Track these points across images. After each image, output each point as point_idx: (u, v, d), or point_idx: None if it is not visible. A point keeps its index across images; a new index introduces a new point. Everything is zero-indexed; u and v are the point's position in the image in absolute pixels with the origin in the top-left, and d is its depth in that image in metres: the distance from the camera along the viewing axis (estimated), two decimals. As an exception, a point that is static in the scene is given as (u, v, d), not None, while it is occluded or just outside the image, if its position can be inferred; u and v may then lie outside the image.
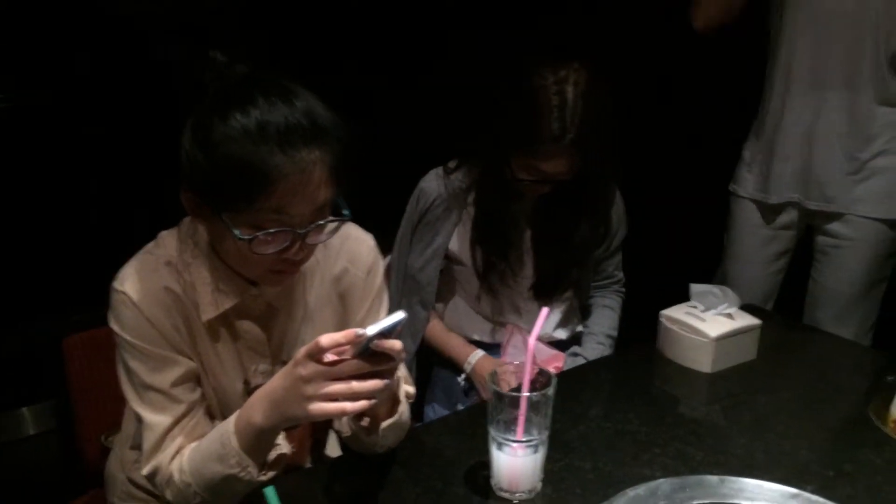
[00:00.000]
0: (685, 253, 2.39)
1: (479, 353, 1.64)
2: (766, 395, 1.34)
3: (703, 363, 1.41)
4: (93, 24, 2.40)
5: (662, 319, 1.48)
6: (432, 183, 1.60)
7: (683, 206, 2.60)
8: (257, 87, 0.93)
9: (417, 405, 1.69)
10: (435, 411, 1.69)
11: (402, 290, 1.66)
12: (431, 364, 1.74)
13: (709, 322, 1.42)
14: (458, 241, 1.61)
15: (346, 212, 1.00)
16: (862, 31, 1.72)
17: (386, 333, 0.89)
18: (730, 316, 1.44)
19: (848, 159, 1.82)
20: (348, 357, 0.89)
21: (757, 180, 1.95)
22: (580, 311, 1.76)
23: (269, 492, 0.82)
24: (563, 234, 1.58)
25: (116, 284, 1.03)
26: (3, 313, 2.36)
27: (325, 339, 0.87)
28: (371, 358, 0.90)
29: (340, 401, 0.89)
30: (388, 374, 0.92)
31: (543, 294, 1.64)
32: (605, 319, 1.73)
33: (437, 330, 1.69)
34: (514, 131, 1.43)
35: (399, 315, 0.89)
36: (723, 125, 2.24)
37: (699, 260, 2.11)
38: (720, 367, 1.42)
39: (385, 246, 1.41)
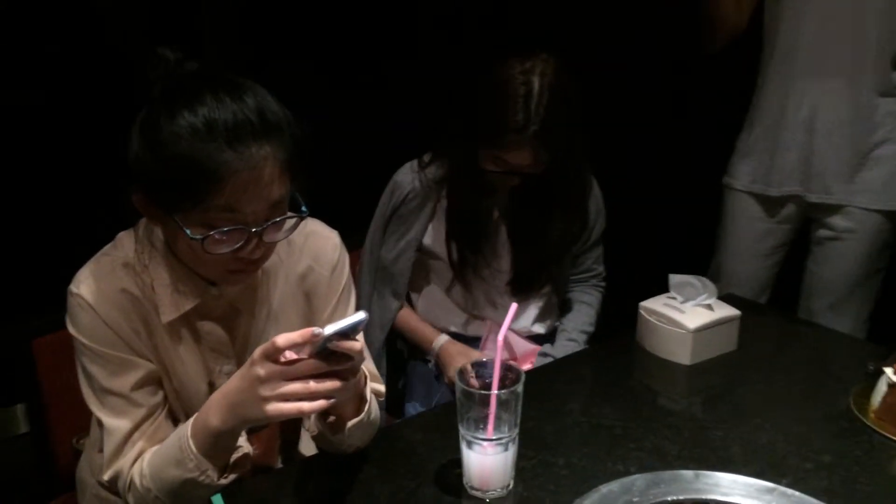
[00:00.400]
0: (669, 245, 2.36)
1: (444, 337, 1.63)
2: (746, 388, 1.33)
3: (682, 355, 1.39)
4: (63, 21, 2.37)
5: (641, 311, 1.46)
6: (407, 176, 1.58)
7: (666, 197, 2.57)
8: (206, 85, 0.91)
9: (398, 402, 1.68)
10: (416, 408, 1.67)
11: (374, 280, 1.64)
12: (407, 360, 1.72)
13: (688, 313, 1.40)
14: (433, 235, 1.60)
15: (304, 208, 0.98)
16: (865, 21, 1.69)
17: (345, 333, 0.87)
18: (709, 307, 1.42)
19: (850, 150, 1.79)
20: (305, 357, 0.87)
21: (756, 172, 1.91)
22: (559, 306, 1.74)
23: (216, 500, 0.80)
24: (537, 229, 1.56)
25: (72, 287, 1.02)
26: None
27: (282, 338, 0.86)
28: (329, 357, 0.88)
29: (298, 401, 0.88)
30: (348, 374, 0.90)
31: (520, 290, 1.62)
32: (579, 315, 1.71)
33: (406, 318, 1.67)
34: (479, 122, 1.41)
35: (359, 315, 0.87)
36: (707, 116, 2.21)
37: (683, 252, 2.08)
38: (699, 359, 1.40)
39: (352, 242, 1.39)
